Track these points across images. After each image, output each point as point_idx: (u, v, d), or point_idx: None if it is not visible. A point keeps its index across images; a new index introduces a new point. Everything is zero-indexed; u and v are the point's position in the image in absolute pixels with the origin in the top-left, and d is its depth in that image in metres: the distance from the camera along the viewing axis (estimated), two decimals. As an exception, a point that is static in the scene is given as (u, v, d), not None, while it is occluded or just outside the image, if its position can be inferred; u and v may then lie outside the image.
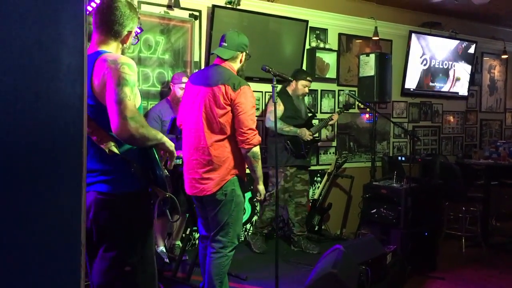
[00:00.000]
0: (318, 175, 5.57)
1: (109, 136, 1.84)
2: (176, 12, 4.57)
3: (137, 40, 2.10)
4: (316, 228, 5.15)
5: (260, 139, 2.92)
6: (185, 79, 4.05)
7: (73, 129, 0.87)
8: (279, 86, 4.66)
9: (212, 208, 2.95)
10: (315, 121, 5.04)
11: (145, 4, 4.39)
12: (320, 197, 5.24)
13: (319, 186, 5.34)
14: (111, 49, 1.96)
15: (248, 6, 4.93)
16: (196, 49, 4.73)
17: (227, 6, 4.76)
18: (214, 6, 4.63)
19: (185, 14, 4.65)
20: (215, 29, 4.64)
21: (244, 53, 3.04)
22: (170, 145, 1.96)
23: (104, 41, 1.96)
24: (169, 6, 4.56)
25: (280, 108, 4.64)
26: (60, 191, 0.86)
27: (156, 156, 1.90)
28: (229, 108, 2.86)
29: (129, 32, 2.00)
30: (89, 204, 1.89)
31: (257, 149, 2.90)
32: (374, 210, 4.36)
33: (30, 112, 0.84)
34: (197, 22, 4.71)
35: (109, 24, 1.94)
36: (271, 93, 3.43)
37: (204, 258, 3.11)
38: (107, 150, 1.81)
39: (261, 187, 3.06)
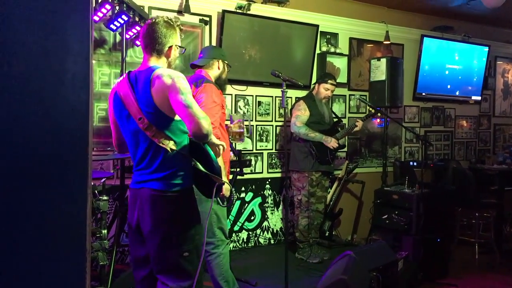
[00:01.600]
0: (330, 180, 5.54)
1: (168, 137, 2.13)
2: (186, 18, 4.59)
3: (183, 50, 2.39)
4: (326, 234, 5.12)
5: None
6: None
7: (78, 136, 0.87)
8: (291, 91, 4.64)
9: None
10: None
11: (155, 9, 4.42)
12: (331, 203, 5.20)
13: (330, 191, 5.30)
14: (160, 64, 2.25)
15: (258, 11, 4.94)
16: (207, 54, 4.73)
17: (237, 11, 4.77)
18: (224, 11, 4.64)
19: (195, 20, 4.67)
20: (225, 34, 4.65)
21: (220, 61, 3.26)
22: (218, 142, 2.29)
23: (152, 59, 2.24)
24: (179, 12, 4.58)
25: (306, 113, 4.63)
26: (65, 198, 0.86)
27: (211, 152, 2.21)
28: None
29: (171, 47, 2.26)
30: (143, 200, 2.17)
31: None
32: (386, 216, 4.33)
33: (35, 119, 0.84)
34: (207, 27, 4.73)
35: (152, 45, 2.23)
36: (281, 98, 3.45)
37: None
38: (168, 149, 2.11)
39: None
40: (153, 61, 2.24)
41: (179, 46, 2.33)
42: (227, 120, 3.38)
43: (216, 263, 3.08)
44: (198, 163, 2.19)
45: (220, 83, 3.25)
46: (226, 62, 3.30)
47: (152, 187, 2.16)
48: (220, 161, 2.96)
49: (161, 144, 2.12)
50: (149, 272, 2.29)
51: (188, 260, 2.18)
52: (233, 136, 3.46)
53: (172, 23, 2.28)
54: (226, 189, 3.00)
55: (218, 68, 3.25)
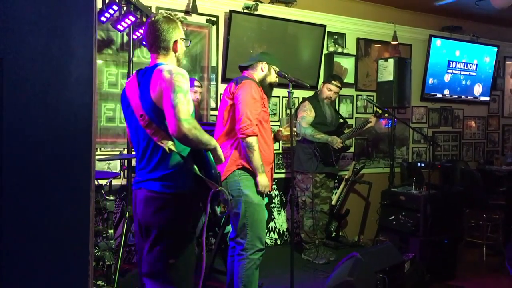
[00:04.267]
0: (336, 180, 5.52)
1: (168, 136, 2.06)
2: (193, 18, 4.60)
3: (189, 42, 2.35)
4: (333, 235, 5.10)
5: (255, 131, 2.94)
6: (197, 83, 4.26)
7: (81, 139, 0.88)
8: (295, 91, 4.63)
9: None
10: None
11: (163, 10, 4.43)
12: (338, 203, 5.19)
13: (336, 192, 5.29)
14: (168, 60, 2.20)
15: (265, 11, 4.93)
16: (214, 55, 4.75)
17: (245, 11, 4.77)
18: (231, 12, 4.64)
19: (202, 20, 4.68)
20: (232, 35, 4.65)
21: (265, 63, 3.18)
22: (221, 152, 2.16)
23: (159, 57, 2.21)
24: (186, 12, 4.59)
25: (311, 114, 4.62)
26: (68, 201, 0.86)
27: (211, 157, 2.14)
28: (230, 101, 3.02)
29: (176, 41, 2.22)
30: (139, 200, 2.13)
31: (252, 140, 2.93)
32: (393, 217, 4.31)
33: (38, 123, 0.84)
34: (214, 27, 4.73)
35: (157, 43, 2.19)
36: (287, 99, 3.44)
37: (230, 259, 3.19)
38: (166, 149, 2.05)
39: (260, 178, 3.00)
40: (161, 59, 2.20)
41: (184, 39, 2.28)
42: (274, 123, 3.23)
43: (240, 264, 3.02)
44: (195, 167, 2.11)
45: (264, 85, 3.18)
46: (272, 66, 3.21)
47: (147, 187, 2.11)
48: (257, 156, 2.94)
49: (159, 143, 2.07)
50: None
51: (173, 268, 2.10)
52: (284, 139, 3.43)
53: (172, 17, 2.24)
54: (263, 185, 2.98)
55: (262, 70, 3.17)
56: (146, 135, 2.10)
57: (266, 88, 3.21)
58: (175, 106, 1.95)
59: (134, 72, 2.33)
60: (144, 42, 3.95)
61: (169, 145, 2.07)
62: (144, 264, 2.15)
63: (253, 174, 3.00)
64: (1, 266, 0.81)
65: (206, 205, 2.12)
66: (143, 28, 2.31)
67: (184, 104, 1.98)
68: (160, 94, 2.02)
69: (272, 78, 3.23)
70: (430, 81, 6.17)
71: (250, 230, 2.99)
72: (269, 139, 3.15)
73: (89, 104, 0.86)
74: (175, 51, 2.23)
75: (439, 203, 4.16)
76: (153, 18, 2.21)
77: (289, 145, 3.53)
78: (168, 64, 2.18)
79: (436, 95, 6.28)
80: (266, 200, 4.75)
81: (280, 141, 3.36)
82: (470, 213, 5.14)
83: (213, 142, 2.11)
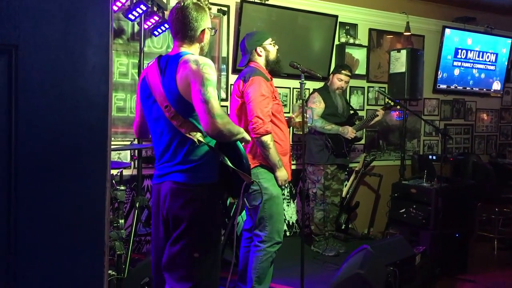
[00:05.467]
0: (346, 173, 5.49)
1: (196, 128, 2.01)
2: (204, 8, 4.56)
3: (215, 31, 2.28)
4: (343, 227, 5.09)
5: (267, 129, 2.91)
6: None
7: (97, 129, 0.86)
8: (307, 83, 4.59)
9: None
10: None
11: (174, -1, 4.40)
12: (348, 196, 5.16)
13: (346, 184, 5.26)
14: (192, 50, 2.13)
15: (276, 1, 4.89)
16: (224, 45, 4.72)
17: (256, 1, 4.73)
18: (242, 1, 4.60)
19: (213, 10, 4.63)
20: (243, 24, 4.62)
21: (257, 48, 3.11)
22: (246, 135, 2.13)
23: (183, 45, 2.12)
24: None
25: (321, 105, 4.58)
26: (84, 192, 0.85)
27: (241, 148, 2.09)
28: (240, 100, 3.00)
29: (203, 31, 2.14)
30: (164, 193, 2.06)
31: (266, 138, 2.91)
32: (403, 210, 4.28)
33: (54, 111, 0.83)
34: (225, 17, 4.70)
35: (184, 31, 2.10)
36: (299, 90, 3.41)
37: (244, 250, 3.22)
38: (196, 140, 1.99)
39: (279, 173, 3.01)
40: (185, 47, 2.11)
41: (211, 28, 2.20)
42: (287, 113, 3.17)
43: (256, 255, 3.05)
44: (226, 158, 2.05)
45: (272, 67, 3.14)
46: (264, 45, 3.13)
47: (174, 179, 2.04)
48: (273, 153, 2.92)
49: (187, 135, 1.99)
50: None
51: (197, 262, 2.03)
52: (297, 126, 3.40)
53: (201, 4, 2.14)
54: (283, 179, 2.98)
55: (259, 55, 3.12)
56: (172, 127, 2.02)
57: (274, 64, 3.16)
58: (207, 102, 1.89)
59: (150, 60, 2.25)
60: (156, 32, 3.92)
61: (198, 136, 2.00)
62: (165, 256, 2.08)
63: (271, 168, 3.02)
64: (16, 259, 0.80)
65: (238, 196, 2.09)
66: (169, 13, 2.18)
67: (215, 98, 1.93)
68: (187, 86, 1.95)
69: (273, 53, 3.16)
70: (442, 72, 6.09)
71: (269, 223, 3.02)
72: (285, 129, 3.14)
73: (106, 93, 0.84)
74: (201, 40, 2.16)
75: (450, 196, 4.13)
76: (182, 4, 2.10)
77: (301, 132, 3.51)
78: (192, 53, 2.10)
79: (449, 87, 6.21)
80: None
81: (293, 128, 3.33)
82: (481, 207, 5.09)
83: (241, 130, 2.08)
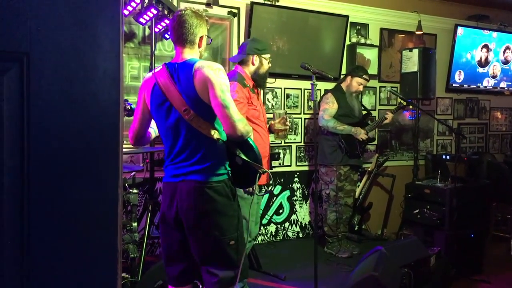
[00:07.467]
0: (359, 173, 5.46)
1: (214, 127, 2.17)
2: (215, 10, 4.57)
3: (210, 40, 2.42)
4: (356, 228, 5.06)
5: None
6: None
7: (109, 133, 0.86)
8: (319, 83, 4.57)
9: None
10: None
11: (184, 2, 4.41)
12: (361, 196, 5.13)
13: (359, 185, 5.23)
14: (194, 54, 2.28)
15: (286, 2, 4.88)
16: (235, 47, 4.72)
17: (266, 2, 4.73)
18: (252, 3, 4.60)
19: (223, 12, 4.65)
20: (254, 26, 4.62)
21: (256, 56, 3.22)
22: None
23: (185, 51, 2.26)
24: (208, 4, 4.57)
25: (334, 106, 4.55)
26: (95, 197, 0.85)
27: (252, 141, 2.25)
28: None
29: (202, 37, 2.29)
30: (186, 191, 2.17)
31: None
32: (417, 211, 4.24)
33: (65, 118, 0.83)
34: (235, 19, 4.70)
35: (183, 37, 2.24)
36: (310, 91, 3.41)
37: None
38: (215, 139, 2.15)
39: None
40: (188, 53, 2.26)
41: (207, 36, 2.36)
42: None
43: None
44: (241, 152, 2.22)
45: (256, 79, 3.23)
46: (263, 56, 3.24)
47: (195, 179, 2.17)
48: None
49: (208, 135, 2.15)
50: (185, 266, 2.29)
51: (234, 249, 2.21)
52: (277, 133, 3.40)
53: (200, 13, 2.32)
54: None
55: (253, 64, 3.21)
56: (190, 128, 2.16)
57: (259, 78, 3.25)
58: (227, 107, 2.07)
59: (158, 65, 2.33)
60: (167, 35, 3.95)
61: (217, 135, 2.16)
62: (200, 253, 2.22)
63: None
64: (29, 264, 0.81)
65: (246, 187, 2.36)
66: (170, 20, 2.35)
67: (233, 103, 2.12)
68: (205, 90, 2.10)
69: (265, 68, 3.27)
70: (455, 71, 6.03)
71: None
72: (262, 133, 3.21)
73: (116, 99, 0.84)
74: (199, 46, 2.30)
75: (465, 196, 4.08)
76: (183, 11, 2.27)
77: (279, 141, 3.55)
78: (196, 58, 2.26)
79: (463, 86, 6.14)
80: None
81: (274, 134, 3.36)
82: (497, 207, 5.03)
83: (251, 128, 2.23)
